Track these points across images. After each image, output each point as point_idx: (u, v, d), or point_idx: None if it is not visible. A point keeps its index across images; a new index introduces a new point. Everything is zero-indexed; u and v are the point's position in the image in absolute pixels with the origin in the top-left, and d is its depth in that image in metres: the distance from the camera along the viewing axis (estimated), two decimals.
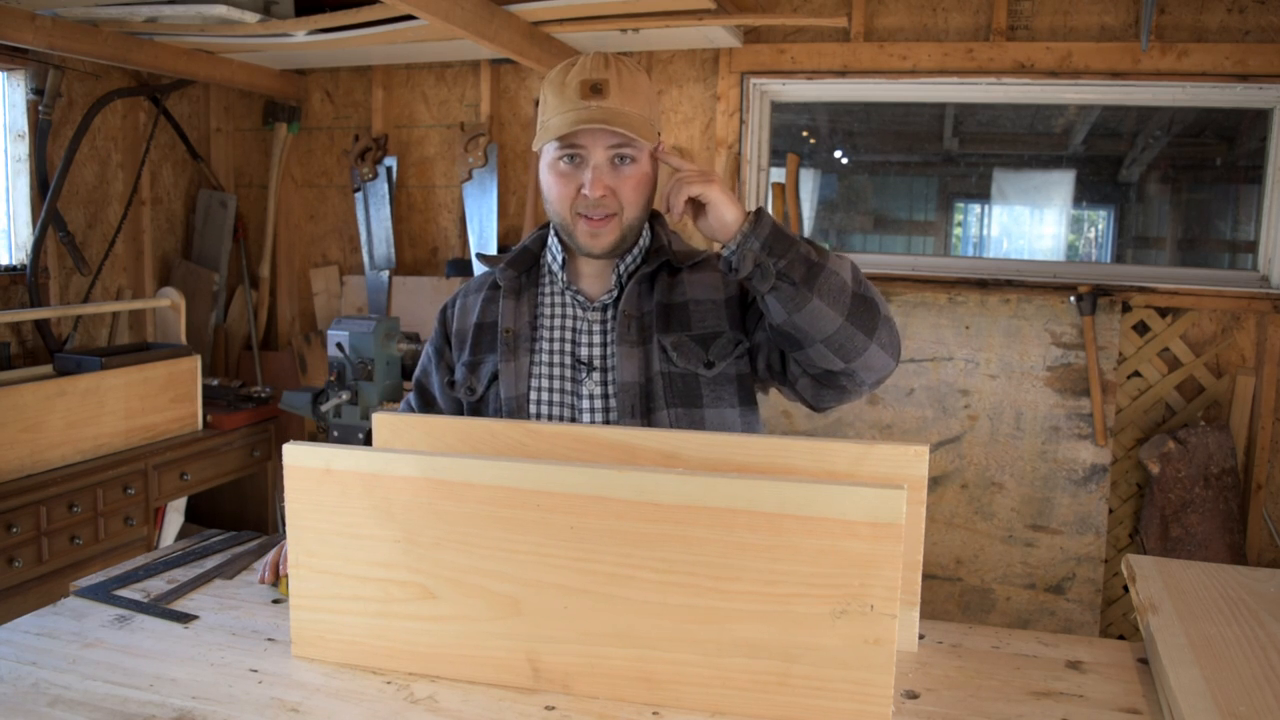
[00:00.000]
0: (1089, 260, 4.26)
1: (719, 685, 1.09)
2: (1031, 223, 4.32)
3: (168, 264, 3.77)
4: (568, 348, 1.47)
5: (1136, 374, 3.08)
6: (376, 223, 3.73)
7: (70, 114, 3.22)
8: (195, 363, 3.07)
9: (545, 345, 1.47)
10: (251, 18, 2.78)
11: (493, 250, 3.54)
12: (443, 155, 3.72)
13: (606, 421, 1.43)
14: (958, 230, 4.56)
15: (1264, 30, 2.90)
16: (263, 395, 3.37)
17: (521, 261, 1.53)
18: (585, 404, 1.45)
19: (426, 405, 1.60)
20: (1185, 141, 3.60)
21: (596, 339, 1.46)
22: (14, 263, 3.14)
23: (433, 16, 2.38)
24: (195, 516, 3.42)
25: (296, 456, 1.18)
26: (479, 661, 1.16)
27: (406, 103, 3.74)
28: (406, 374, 3.12)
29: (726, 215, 1.28)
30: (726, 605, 1.07)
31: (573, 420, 1.45)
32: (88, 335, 3.37)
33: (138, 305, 3.28)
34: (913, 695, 1.17)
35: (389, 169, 3.70)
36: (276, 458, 3.39)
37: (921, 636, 1.34)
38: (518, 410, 1.45)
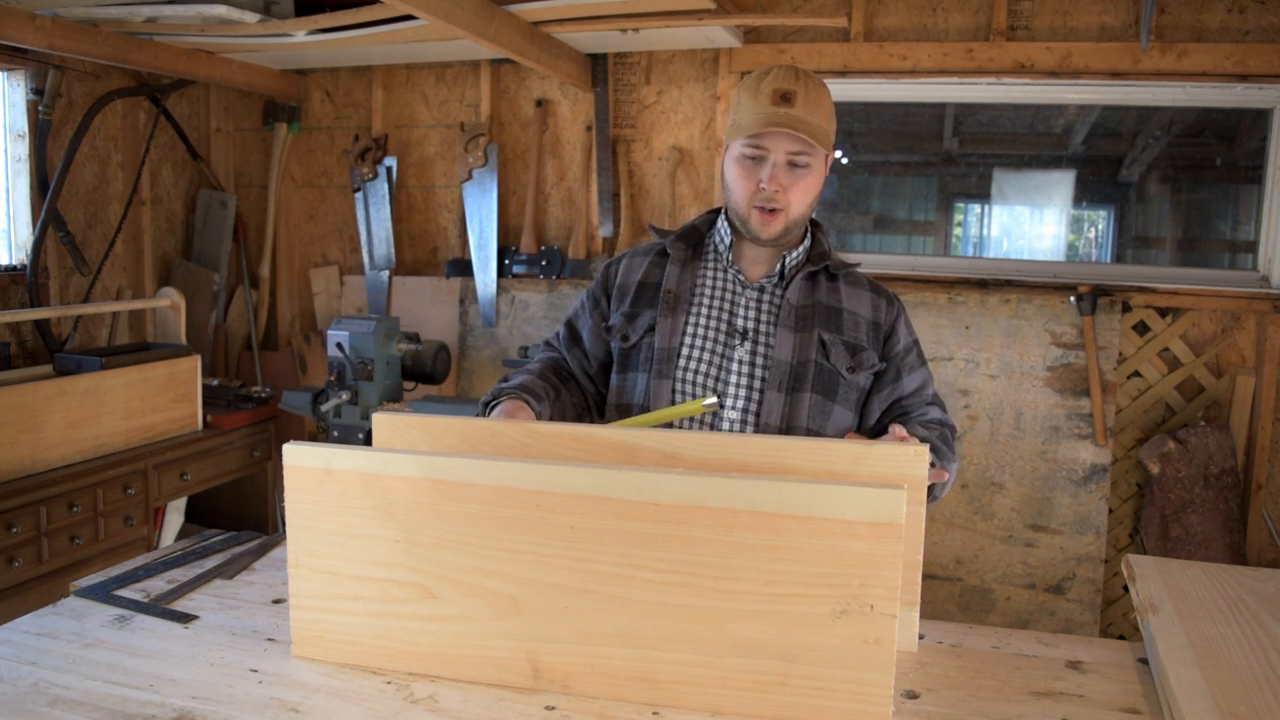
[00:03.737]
0: (1089, 260, 4.26)
1: (719, 685, 1.09)
2: (1031, 223, 4.32)
3: (168, 264, 3.77)
4: (724, 316, 1.64)
5: (1136, 374, 3.08)
6: (376, 223, 3.73)
7: (70, 114, 3.22)
8: (195, 363, 3.07)
9: (703, 310, 1.65)
10: (251, 18, 2.78)
11: (494, 249, 3.56)
12: (443, 155, 3.72)
13: (750, 386, 1.60)
14: (958, 230, 4.56)
15: (1264, 30, 2.89)
16: (263, 395, 3.37)
17: (690, 237, 1.72)
18: (734, 367, 1.61)
19: (575, 341, 1.76)
20: (1185, 141, 3.60)
21: (751, 314, 1.64)
22: (14, 263, 3.14)
23: (433, 16, 2.38)
24: (195, 516, 3.42)
25: (296, 456, 1.18)
26: (479, 661, 1.16)
27: (406, 103, 3.74)
28: (407, 374, 3.14)
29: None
30: (726, 605, 1.07)
31: (719, 380, 1.60)
32: (88, 335, 3.37)
33: (138, 305, 3.28)
34: (913, 695, 1.17)
35: (389, 169, 3.70)
36: (276, 458, 3.39)
37: (921, 636, 1.34)
38: (667, 361, 1.61)
